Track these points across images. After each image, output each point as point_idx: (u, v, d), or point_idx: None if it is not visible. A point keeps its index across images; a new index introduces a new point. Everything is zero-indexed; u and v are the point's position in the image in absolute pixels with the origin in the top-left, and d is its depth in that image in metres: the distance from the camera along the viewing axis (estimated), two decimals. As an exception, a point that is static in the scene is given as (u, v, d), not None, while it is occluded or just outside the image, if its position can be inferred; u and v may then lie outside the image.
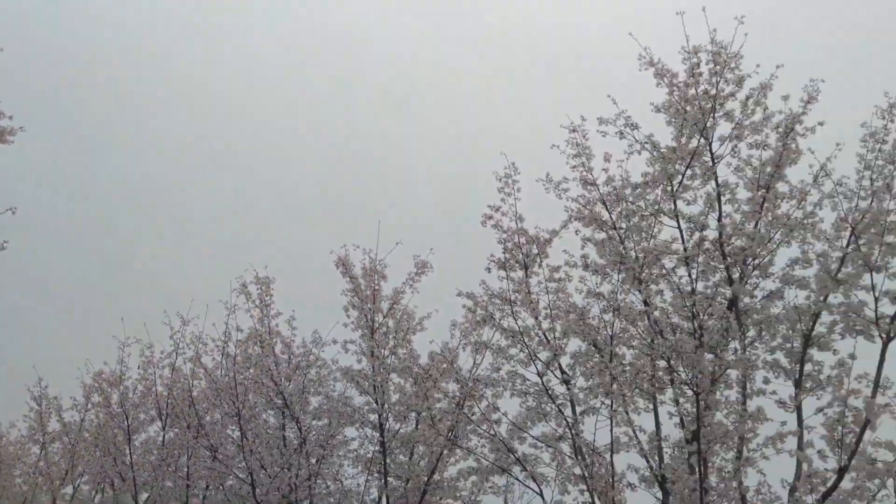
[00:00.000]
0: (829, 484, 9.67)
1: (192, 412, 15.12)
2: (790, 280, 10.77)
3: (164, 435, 17.04)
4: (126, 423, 17.33)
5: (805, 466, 9.81)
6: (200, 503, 15.60)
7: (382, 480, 13.52)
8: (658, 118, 10.97)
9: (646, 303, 10.78)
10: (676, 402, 10.59)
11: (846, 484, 9.92)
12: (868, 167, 10.32)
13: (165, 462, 16.23)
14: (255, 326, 14.38)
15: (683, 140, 10.59)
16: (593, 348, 11.24)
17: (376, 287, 13.83)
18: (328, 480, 13.99)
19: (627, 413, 11.17)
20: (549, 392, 11.28)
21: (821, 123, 10.55)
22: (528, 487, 11.69)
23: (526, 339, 11.43)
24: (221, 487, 14.79)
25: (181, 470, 16.38)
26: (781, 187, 10.73)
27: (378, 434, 13.63)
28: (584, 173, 11.22)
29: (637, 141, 10.71)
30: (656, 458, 10.91)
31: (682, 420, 10.52)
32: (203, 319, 15.45)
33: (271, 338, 14.54)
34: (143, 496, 17.49)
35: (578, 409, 11.19)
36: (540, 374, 11.35)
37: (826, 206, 10.52)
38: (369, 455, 13.91)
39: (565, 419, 11.11)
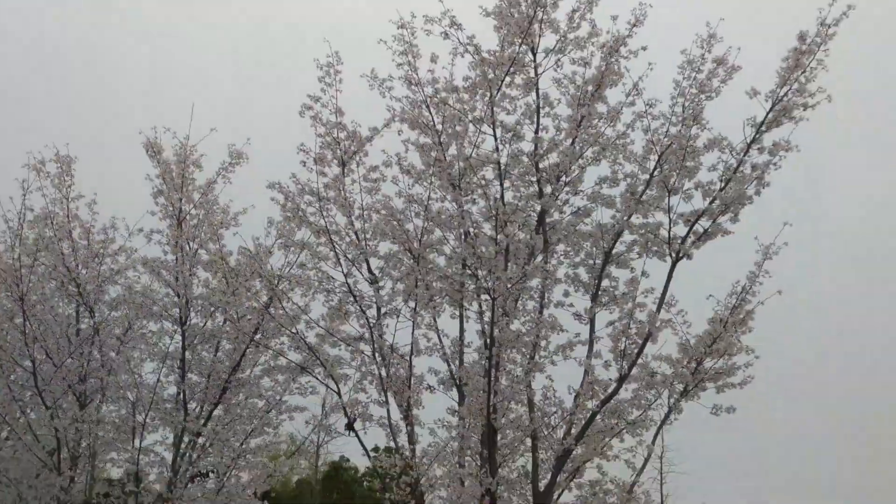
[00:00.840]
0: (609, 391, 10.17)
1: (-25, 297, 13.86)
2: (598, 198, 11.04)
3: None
4: None
5: (590, 374, 10.25)
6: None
7: (180, 375, 13.04)
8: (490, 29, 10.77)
9: (460, 208, 10.75)
10: (480, 308, 10.72)
11: (627, 394, 10.51)
12: (682, 94, 10.62)
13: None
14: (48, 207, 13.23)
15: (507, 48, 10.45)
16: (407, 252, 11.15)
17: (187, 175, 13.05)
18: (123, 373, 13.30)
19: (435, 319, 11.24)
20: (355, 293, 11.11)
21: (644, 48, 10.67)
22: (327, 386, 11.60)
23: (336, 239, 11.15)
24: (5, 380, 13.73)
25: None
26: (600, 107, 10.87)
27: (179, 328, 13.08)
28: (410, 73, 10.90)
29: (461, 43, 10.48)
30: (458, 362, 11.07)
31: (483, 326, 10.67)
32: (-6, 198, 14.02)
33: (69, 221, 13.47)
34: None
35: (382, 311, 11.11)
36: (345, 274, 11.14)
37: (638, 129, 10.79)
38: (169, 349, 13.33)
39: (367, 320, 11.02)
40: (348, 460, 29.72)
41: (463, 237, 10.63)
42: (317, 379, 11.91)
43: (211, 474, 13.66)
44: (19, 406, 12.95)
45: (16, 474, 13.08)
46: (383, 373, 10.78)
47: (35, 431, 12.92)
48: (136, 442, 13.30)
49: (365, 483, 26.68)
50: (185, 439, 13.19)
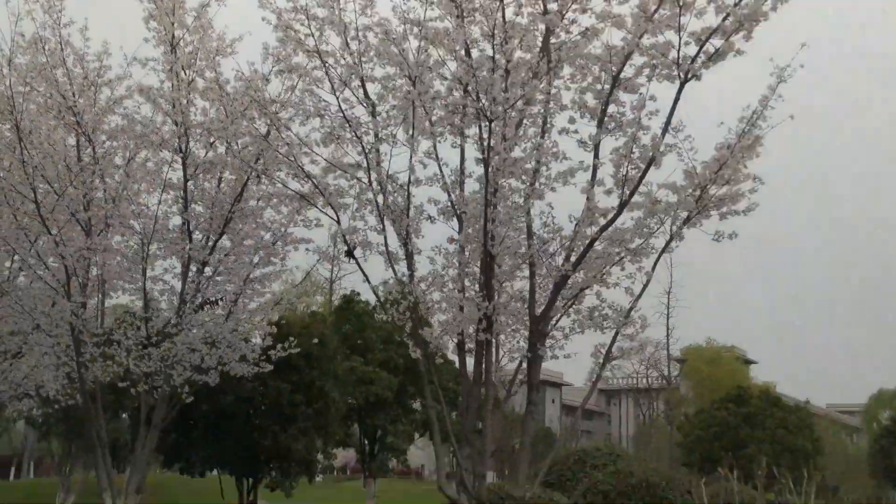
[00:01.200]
0: (610, 217, 9.98)
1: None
2: (607, 17, 10.39)
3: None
4: None
5: (591, 201, 10.02)
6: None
7: (183, 205, 13.02)
8: None
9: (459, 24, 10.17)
10: (479, 134, 10.39)
11: (630, 222, 10.31)
12: None
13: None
14: (38, 33, 12.77)
15: None
16: (405, 77, 10.69)
17: (178, -5, 12.46)
18: (130, 204, 13.29)
19: (435, 147, 10.93)
20: (349, 118, 10.76)
21: None
22: (326, 214, 11.51)
23: (331, 61, 10.69)
24: (12, 210, 13.77)
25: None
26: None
27: (179, 157, 12.93)
28: None
29: None
30: (458, 191, 10.87)
31: (483, 153, 10.37)
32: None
33: (62, 49, 13.04)
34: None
35: (379, 137, 10.79)
36: (337, 97, 10.72)
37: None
38: (172, 180, 13.25)
39: (363, 147, 10.73)
40: (359, 294, 30.55)
41: (463, 55, 10.12)
42: (316, 207, 11.81)
43: (220, 302, 13.92)
44: (26, 236, 13.04)
45: (29, 303, 13.39)
46: (380, 200, 10.64)
47: (45, 260, 13.09)
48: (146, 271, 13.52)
49: (375, 315, 27.47)
50: (193, 268, 13.37)
